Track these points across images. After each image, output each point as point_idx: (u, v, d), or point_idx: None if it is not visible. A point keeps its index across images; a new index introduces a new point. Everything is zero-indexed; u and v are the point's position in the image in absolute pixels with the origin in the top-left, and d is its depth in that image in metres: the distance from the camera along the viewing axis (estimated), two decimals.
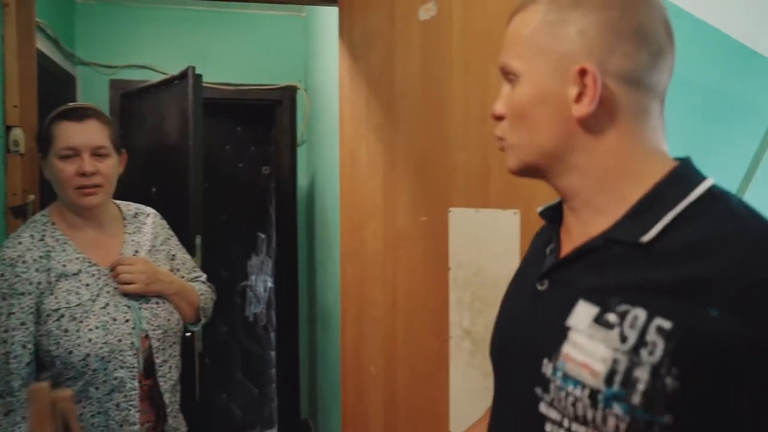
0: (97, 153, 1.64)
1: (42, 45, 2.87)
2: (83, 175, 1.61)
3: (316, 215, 3.86)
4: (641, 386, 0.69)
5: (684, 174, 0.79)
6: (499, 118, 0.88)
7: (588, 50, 0.78)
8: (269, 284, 4.41)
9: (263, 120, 4.31)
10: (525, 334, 0.86)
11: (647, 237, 0.74)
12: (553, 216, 0.93)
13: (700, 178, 0.78)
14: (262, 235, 4.40)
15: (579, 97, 0.79)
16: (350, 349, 2.19)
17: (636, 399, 0.69)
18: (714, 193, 0.76)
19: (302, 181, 4.21)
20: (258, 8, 4.01)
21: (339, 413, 2.84)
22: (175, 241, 1.94)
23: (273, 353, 4.44)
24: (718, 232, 0.71)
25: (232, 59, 4.02)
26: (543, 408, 0.79)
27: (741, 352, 0.65)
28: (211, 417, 4.25)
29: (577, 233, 0.84)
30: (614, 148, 0.80)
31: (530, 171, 0.87)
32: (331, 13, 2.98)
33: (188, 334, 2.65)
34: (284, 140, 4.17)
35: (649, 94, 0.80)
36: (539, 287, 0.86)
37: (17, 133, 2.06)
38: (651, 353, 0.69)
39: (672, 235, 0.73)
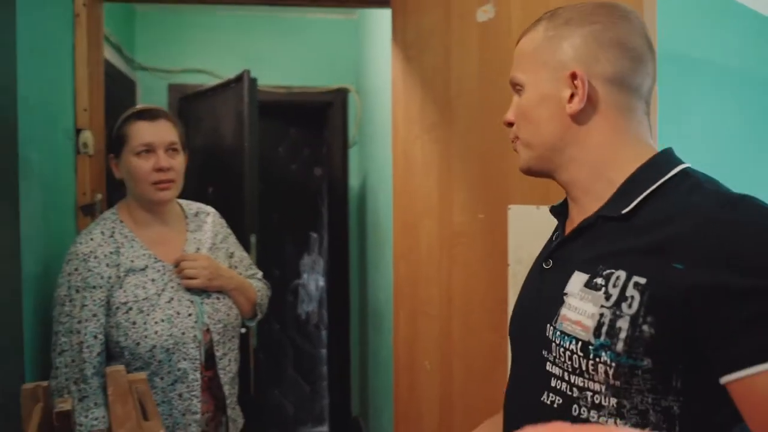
0: (169, 149, 1.73)
1: (105, 52, 2.98)
2: (159, 170, 1.70)
3: (367, 216, 3.90)
4: (623, 334, 0.82)
5: (662, 160, 0.93)
6: (510, 124, 1.04)
7: (577, 58, 0.94)
8: (321, 283, 4.47)
9: (315, 122, 4.38)
10: (533, 308, 1.01)
11: (626, 209, 0.89)
12: (561, 212, 1.08)
13: (677, 162, 0.92)
14: (314, 235, 4.47)
15: (571, 98, 0.94)
16: (403, 346, 2.21)
17: (619, 346, 0.82)
18: (686, 172, 0.90)
19: (354, 181, 4.26)
20: (310, 12, 4.07)
21: (390, 413, 2.87)
22: (233, 239, 2.01)
23: (324, 351, 4.50)
24: (684, 203, 0.85)
25: (285, 62, 4.09)
26: (548, 366, 0.93)
27: (703, 298, 0.78)
28: (264, 412, 4.32)
29: (577, 219, 0.99)
30: (603, 140, 0.94)
31: (538, 166, 1.02)
32: (383, 15, 3.01)
33: (243, 330, 2.72)
34: (336, 142, 4.23)
35: (633, 95, 0.95)
36: (545, 266, 1.02)
37: (86, 135, 2.15)
38: (630, 306, 0.82)
39: (648, 208, 0.88)
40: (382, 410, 3.46)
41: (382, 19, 3.16)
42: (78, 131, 2.15)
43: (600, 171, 0.95)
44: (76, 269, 1.64)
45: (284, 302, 4.45)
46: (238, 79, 3.08)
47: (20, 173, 1.67)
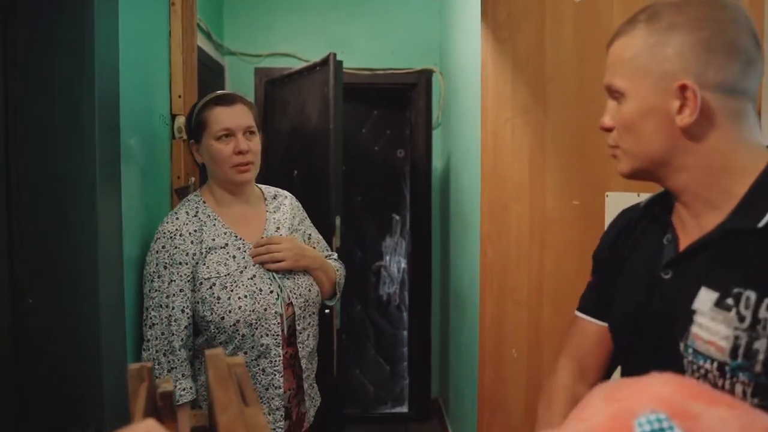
0: (247, 132, 1.80)
1: (197, 38, 3.06)
2: (239, 153, 1.76)
3: (451, 197, 3.87)
4: (761, 356, 0.82)
5: None
6: (608, 129, 1.02)
7: (686, 68, 0.90)
8: (403, 265, 4.48)
9: (399, 103, 4.35)
10: (654, 317, 0.99)
11: (762, 223, 0.85)
12: (663, 210, 1.05)
13: None
14: (397, 217, 4.47)
15: (681, 109, 0.91)
16: (489, 332, 2.19)
17: (758, 368, 0.82)
18: None
19: (437, 163, 4.23)
20: None
21: (473, 395, 2.85)
22: (308, 222, 2.07)
23: (405, 332, 4.52)
24: None
25: (370, 44, 4.09)
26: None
27: None
28: (345, 391, 4.39)
29: (692, 226, 0.97)
30: (717, 148, 0.91)
31: (641, 174, 1.00)
32: None
33: (327, 311, 2.76)
34: (420, 123, 4.20)
35: (743, 98, 0.91)
36: (664, 276, 0.98)
37: (181, 121, 2.21)
38: (765, 328, 0.81)
39: None
40: (463, 393, 3.46)
41: None
42: (173, 117, 2.22)
43: (715, 179, 0.92)
44: (163, 247, 1.73)
45: (366, 283, 4.49)
46: (324, 62, 3.09)
47: (122, 159, 1.73)
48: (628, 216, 1.18)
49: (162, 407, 0.82)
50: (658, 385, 0.73)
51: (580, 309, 1.25)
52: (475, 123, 2.74)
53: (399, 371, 4.54)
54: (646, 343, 1.02)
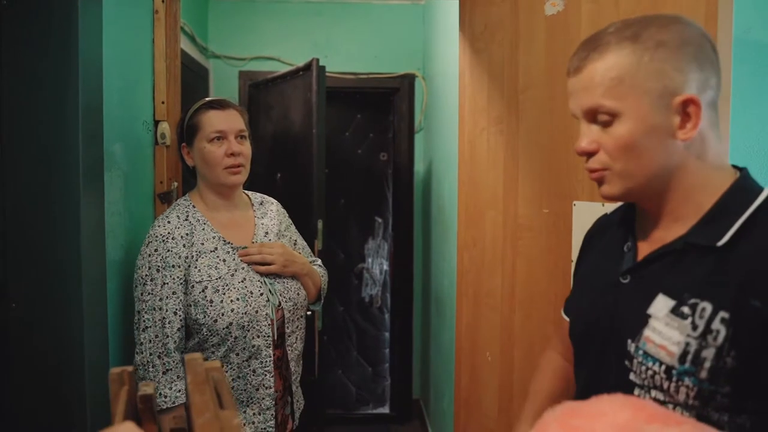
0: (239, 136, 1.84)
1: (181, 41, 3.08)
2: (231, 155, 1.80)
3: (432, 201, 3.92)
4: (707, 364, 0.87)
5: (745, 184, 0.94)
6: (588, 153, 0.99)
7: (686, 83, 0.91)
8: (385, 267, 4.53)
9: (382, 107, 4.40)
10: (610, 319, 1.03)
11: (722, 242, 0.90)
12: (625, 218, 1.09)
13: (759, 188, 0.94)
14: (379, 220, 4.51)
15: (683, 124, 0.92)
16: (465, 335, 2.24)
17: (703, 374, 0.87)
18: None
19: (419, 167, 4.28)
20: None
21: (451, 397, 2.90)
22: (294, 228, 2.12)
23: (387, 334, 4.56)
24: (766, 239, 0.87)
25: (353, 49, 4.13)
26: (632, 376, 0.97)
27: None
28: (327, 392, 4.43)
29: (656, 237, 0.99)
30: (700, 163, 0.94)
31: (632, 195, 1.00)
32: (450, 0, 3.00)
33: (309, 312, 2.81)
34: (402, 127, 4.25)
35: (717, 111, 0.95)
36: (622, 280, 1.02)
37: (164, 127, 2.25)
38: (715, 339, 0.86)
39: (739, 240, 0.89)
40: (442, 394, 3.50)
41: (449, 4, 3.14)
42: (156, 123, 2.24)
43: (691, 195, 0.95)
44: (155, 250, 1.75)
45: (349, 285, 4.53)
46: (307, 67, 3.13)
47: (105, 165, 1.76)
48: (600, 223, 1.22)
49: (142, 410, 0.85)
50: (615, 411, 0.76)
51: (564, 309, 1.33)
52: (455, 128, 2.79)
53: (381, 372, 4.58)
54: (596, 341, 1.06)
